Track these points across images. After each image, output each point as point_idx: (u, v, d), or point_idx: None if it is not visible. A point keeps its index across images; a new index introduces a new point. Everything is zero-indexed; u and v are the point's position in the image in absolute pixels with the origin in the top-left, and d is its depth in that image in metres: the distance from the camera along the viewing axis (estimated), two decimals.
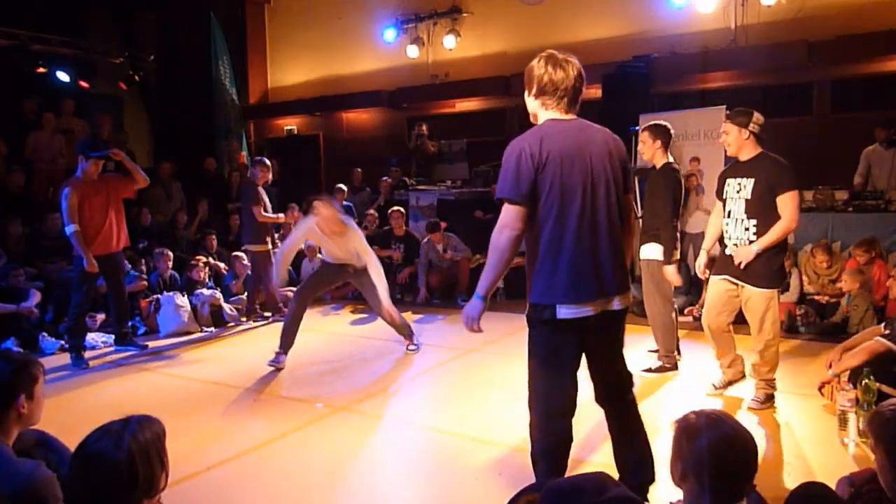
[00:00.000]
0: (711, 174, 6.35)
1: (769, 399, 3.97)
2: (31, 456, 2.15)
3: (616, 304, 2.48)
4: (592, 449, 3.41)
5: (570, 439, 2.54)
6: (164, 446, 1.77)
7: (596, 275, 2.42)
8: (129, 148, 10.22)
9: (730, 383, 4.27)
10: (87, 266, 5.39)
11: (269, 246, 7.09)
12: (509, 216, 2.39)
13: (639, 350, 5.38)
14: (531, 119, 2.59)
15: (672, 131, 4.58)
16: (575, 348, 2.48)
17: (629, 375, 2.70)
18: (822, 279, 6.22)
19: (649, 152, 4.52)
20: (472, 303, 2.51)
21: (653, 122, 4.62)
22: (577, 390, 2.51)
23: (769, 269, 3.79)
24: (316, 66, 11.89)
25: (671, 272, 4.44)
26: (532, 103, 2.54)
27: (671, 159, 4.56)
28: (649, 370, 4.72)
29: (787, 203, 3.70)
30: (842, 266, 6.22)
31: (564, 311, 2.39)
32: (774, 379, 4.00)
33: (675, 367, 4.75)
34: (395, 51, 10.70)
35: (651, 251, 4.57)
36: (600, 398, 2.69)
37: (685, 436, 1.71)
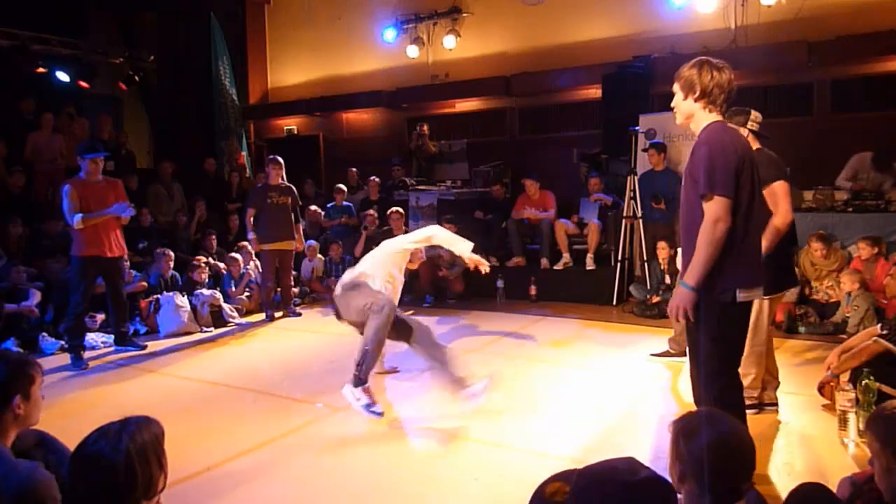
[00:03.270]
0: None
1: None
2: (30, 456, 2.15)
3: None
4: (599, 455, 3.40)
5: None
6: (163, 447, 1.77)
7: (761, 264, 2.77)
8: (128, 148, 10.26)
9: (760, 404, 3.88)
10: (123, 211, 5.51)
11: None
12: (722, 209, 2.55)
13: (638, 351, 5.39)
14: (682, 120, 2.78)
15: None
16: (742, 326, 2.79)
17: None
18: (820, 270, 6.19)
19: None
20: (682, 293, 2.63)
21: None
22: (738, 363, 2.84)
23: None
24: (316, 66, 11.88)
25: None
26: (690, 106, 2.71)
27: None
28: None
29: (777, 194, 3.46)
30: (841, 262, 6.20)
31: (743, 295, 2.65)
32: (750, 392, 3.64)
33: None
34: (395, 51, 10.69)
35: None
36: None
37: (683, 436, 1.71)
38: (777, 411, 3.87)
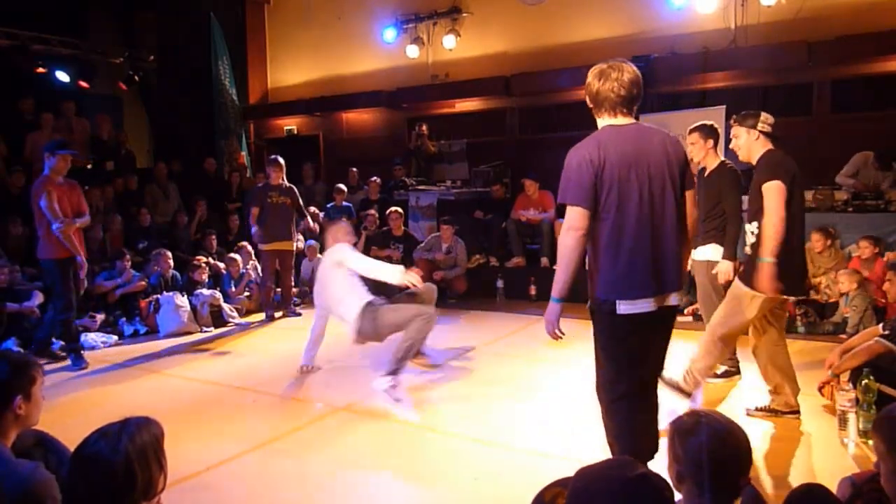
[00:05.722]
0: None
1: (677, 389, 3.77)
2: (30, 456, 2.14)
3: (673, 300, 2.66)
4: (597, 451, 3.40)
5: (641, 425, 2.70)
6: (163, 448, 1.76)
7: (653, 273, 2.57)
8: (128, 148, 10.26)
9: (773, 411, 3.84)
10: (81, 261, 5.41)
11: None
12: (573, 218, 2.56)
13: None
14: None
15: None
16: (635, 340, 2.61)
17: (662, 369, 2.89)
18: (818, 268, 6.17)
19: (701, 153, 4.39)
20: (550, 307, 2.68)
21: (701, 123, 4.47)
22: (641, 378, 2.69)
23: (749, 269, 3.58)
24: (316, 66, 11.88)
25: (726, 268, 4.23)
26: (595, 114, 2.73)
27: (723, 158, 4.48)
28: (715, 375, 4.52)
29: (766, 195, 3.42)
30: (839, 262, 6.20)
31: (624, 307, 2.56)
32: (698, 376, 3.79)
33: (738, 371, 4.59)
34: (395, 51, 10.68)
35: (708, 252, 4.43)
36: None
37: (678, 437, 1.72)
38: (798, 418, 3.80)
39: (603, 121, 2.70)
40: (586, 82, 2.69)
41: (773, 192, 3.39)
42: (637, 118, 2.77)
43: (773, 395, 3.85)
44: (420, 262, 7.78)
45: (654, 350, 2.74)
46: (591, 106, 2.70)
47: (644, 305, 2.56)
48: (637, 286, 2.56)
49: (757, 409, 3.86)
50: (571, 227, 2.57)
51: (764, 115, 3.64)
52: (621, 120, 2.65)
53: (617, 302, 2.56)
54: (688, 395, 3.77)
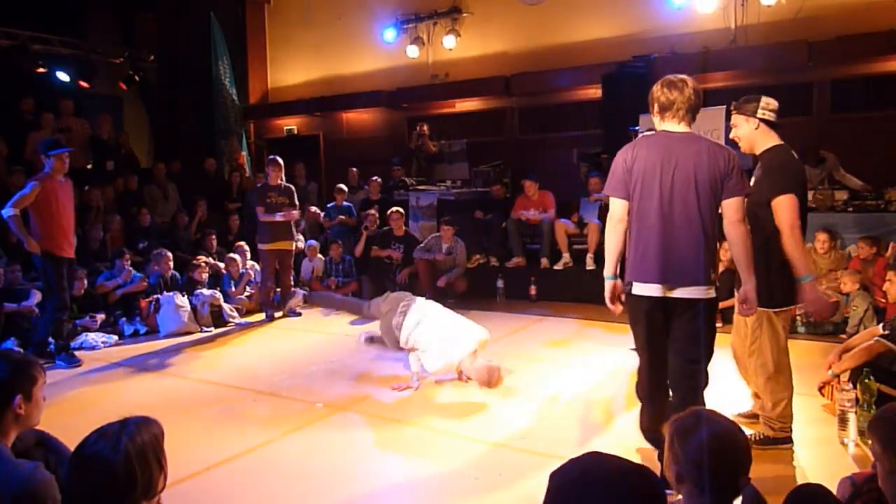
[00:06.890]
0: None
1: (768, 442, 3.37)
2: (30, 456, 2.14)
3: (679, 293, 2.84)
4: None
5: (662, 389, 3.02)
6: (163, 448, 1.76)
7: (661, 263, 2.84)
8: (128, 148, 10.26)
9: (755, 416, 3.64)
10: (27, 247, 5.32)
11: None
12: (613, 208, 2.97)
13: None
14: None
15: None
16: (650, 318, 2.92)
17: (694, 369, 2.93)
18: (819, 270, 6.17)
19: None
20: (606, 285, 3.02)
21: None
22: (660, 352, 2.97)
23: (762, 283, 3.14)
24: (316, 66, 11.88)
25: None
26: (655, 119, 3.03)
27: None
28: None
29: (776, 209, 3.17)
30: (839, 263, 6.20)
31: (637, 288, 2.91)
32: (783, 423, 3.37)
33: None
34: (395, 51, 10.69)
35: None
36: (669, 379, 3.02)
37: (678, 437, 1.71)
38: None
39: (662, 125, 2.97)
40: (653, 91, 2.97)
41: (786, 207, 3.14)
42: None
43: (755, 400, 3.70)
44: (420, 262, 7.77)
45: (675, 338, 2.93)
46: (657, 112, 2.97)
47: (651, 290, 2.86)
48: (647, 272, 2.87)
49: (740, 416, 3.74)
50: (612, 217, 2.97)
51: (765, 101, 3.37)
52: (679, 127, 2.92)
53: (633, 283, 2.92)
54: (785, 440, 3.40)
